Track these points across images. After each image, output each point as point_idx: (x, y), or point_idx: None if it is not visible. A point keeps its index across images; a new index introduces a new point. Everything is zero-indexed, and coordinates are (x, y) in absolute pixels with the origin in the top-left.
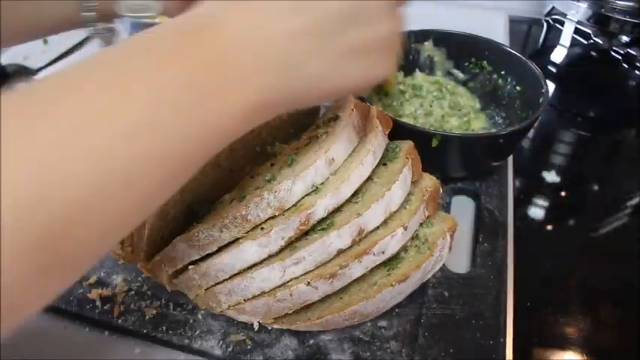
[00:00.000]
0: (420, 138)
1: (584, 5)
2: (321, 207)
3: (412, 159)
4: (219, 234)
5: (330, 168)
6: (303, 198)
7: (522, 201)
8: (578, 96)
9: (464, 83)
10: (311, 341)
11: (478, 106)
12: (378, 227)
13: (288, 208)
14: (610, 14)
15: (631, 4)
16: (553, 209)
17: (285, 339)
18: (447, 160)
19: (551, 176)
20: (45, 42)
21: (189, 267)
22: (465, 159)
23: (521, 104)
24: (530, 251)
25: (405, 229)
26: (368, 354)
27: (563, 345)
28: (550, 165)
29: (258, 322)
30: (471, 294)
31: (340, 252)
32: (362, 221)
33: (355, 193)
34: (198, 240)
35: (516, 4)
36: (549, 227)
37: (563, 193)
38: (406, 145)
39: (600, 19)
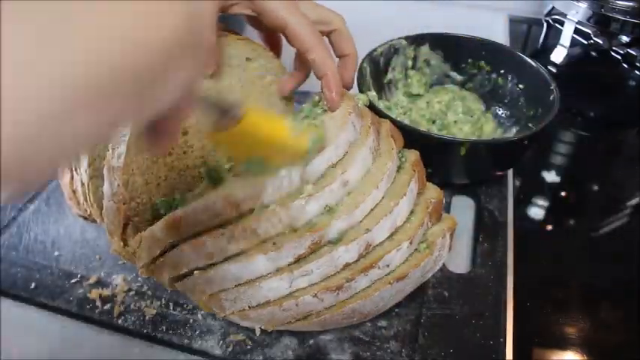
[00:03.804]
0: (444, 148)
1: (584, 5)
2: (334, 228)
3: (418, 171)
4: (227, 245)
5: (345, 189)
6: (314, 217)
7: (522, 201)
8: (578, 96)
9: (462, 84)
10: (311, 341)
11: (483, 107)
12: (383, 240)
13: (300, 227)
14: (610, 14)
15: (631, 4)
16: (553, 209)
17: (285, 339)
18: (473, 166)
19: (551, 176)
20: None
21: (195, 272)
22: (491, 164)
23: (526, 102)
24: (530, 251)
25: (410, 243)
26: (368, 354)
27: (563, 345)
28: (550, 165)
29: (260, 327)
30: (471, 294)
31: (347, 265)
32: (370, 236)
33: None
34: (205, 248)
35: (516, 4)
36: (549, 227)
37: (563, 193)
38: (413, 156)
39: (600, 19)
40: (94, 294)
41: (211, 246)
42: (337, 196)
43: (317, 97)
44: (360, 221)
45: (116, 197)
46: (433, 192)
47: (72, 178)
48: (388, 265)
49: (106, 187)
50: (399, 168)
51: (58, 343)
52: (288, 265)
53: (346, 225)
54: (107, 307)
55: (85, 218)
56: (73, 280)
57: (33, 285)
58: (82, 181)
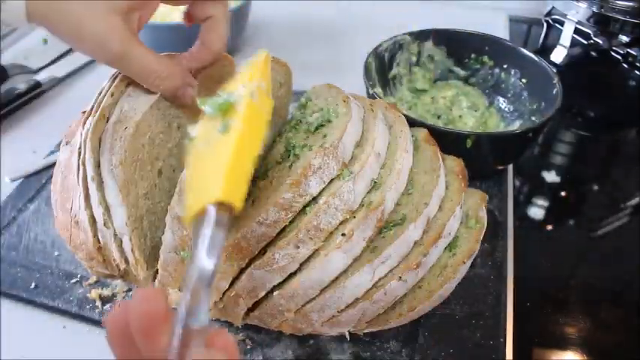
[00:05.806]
0: (452, 140)
1: (584, 5)
2: (389, 200)
3: (433, 144)
4: (296, 251)
5: (379, 161)
6: (365, 196)
7: (522, 201)
8: (578, 96)
9: (465, 80)
10: (311, 341)
11: (486, 102)
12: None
13: (357, 209)
14: (610, 14)
15: (631, 4)
16: (553, 209)
17: (285, 339)
18: (478, 158)
19: (551, 176)
20: (45, 42)
21: (274, 293)
22: (495, 156)
23: (529, 96)
24: (530, 251)
25: (461, 207)
26: (368, 354)
27: (563, 345)
28: (550, 165)
29: (348, 331)
30: (471, 294)
31: (416, 243)
32: (428, 210)
33: None
34: (276, 263)
35: (516, 4)
36: (549, 227)
37: (563, 193)
38: (421, 133)
39: (600, 19)
40: (94, 294)
41: (281, 258)
42: (376, 169)
43: (303, 100)
44: (411, 195)
45: (181, 247)
46: (452, 161)
47: (94, 236)
48: (450, 233)
49: (167, 237)
50: (416, 146)
51: (58, 343)
52: (362, 252)
53: (396, 194)
54: (107, 307)
55: (111, 276)
56: (73, 280)
57: (33, 285)
58: (115, 235)
